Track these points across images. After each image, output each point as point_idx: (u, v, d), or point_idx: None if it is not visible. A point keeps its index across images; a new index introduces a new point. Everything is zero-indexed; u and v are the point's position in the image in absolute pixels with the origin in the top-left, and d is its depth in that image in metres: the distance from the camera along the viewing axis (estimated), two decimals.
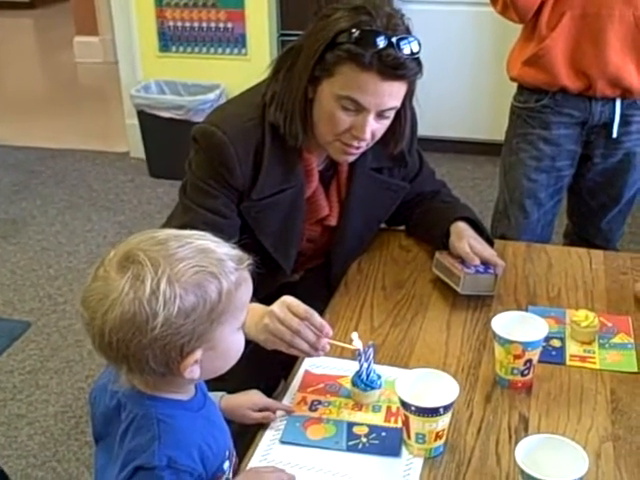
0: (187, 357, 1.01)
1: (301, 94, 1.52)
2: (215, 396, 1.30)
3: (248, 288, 1.07)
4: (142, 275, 0.97)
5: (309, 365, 1.46)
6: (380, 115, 1.52)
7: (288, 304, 1.37)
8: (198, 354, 1.02)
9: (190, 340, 1.00)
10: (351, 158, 1.62)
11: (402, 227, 1.94)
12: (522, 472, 1.09)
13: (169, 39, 4.07)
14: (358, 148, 1.57)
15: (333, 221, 1.73)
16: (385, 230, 1.96)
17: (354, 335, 1.38)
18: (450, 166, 3.99)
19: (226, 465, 1.13)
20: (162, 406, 1.05)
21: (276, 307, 1.38)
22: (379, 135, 1.58)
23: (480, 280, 1.64)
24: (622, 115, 2.06)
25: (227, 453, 1.13)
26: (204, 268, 1.00)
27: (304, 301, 1.52)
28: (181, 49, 4.07)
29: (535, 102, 2.11)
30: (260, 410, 1.33)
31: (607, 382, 1.41)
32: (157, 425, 1.03)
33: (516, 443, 1.14)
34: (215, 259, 1.02)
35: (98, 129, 4.76)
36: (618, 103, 2.05)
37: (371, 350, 1.36)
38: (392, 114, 1.55)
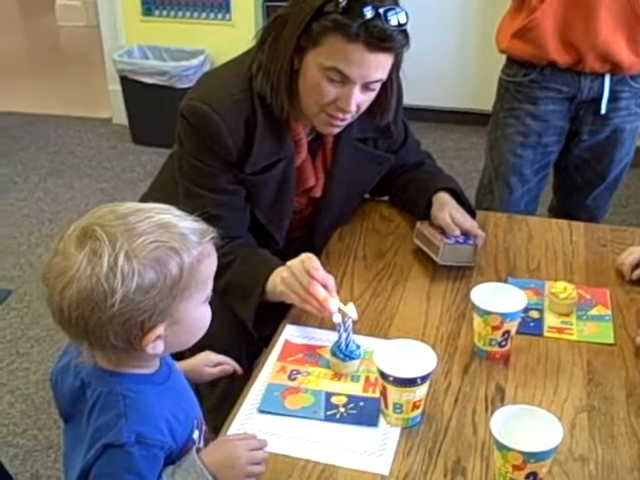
0: (149, 333, 1.00)
1: (287, 64, 1.50)
2: None
3: (212, 261, 1.06)
4: (99, 251, 0.96)
5: (289, 335, 1.46)
6: (366, 87, 1.51)
7: (302, 259, 1.44)
8: (160, 329, 1.01)
9: (151, 316, 0.99)
10: (336, 130, 1.61)
11: (385, 197, 1.94)
12: (497, 442, 1.10)
13: (152, 3, 4.01)
14: (343, 120, 1.56)
15: (318, 192, 1.73)
16: (367, 200, 1.96)
17: (350, 306, 1.41)
18: (435, 136, 3.98)
19: (195, 434, 1.13)
20: (126, 382, 1.04)
21: (294, 261, 1.45)
22: (364, 107, 1.57)
23: (459, 250, 1.65)
24: (611, 91, 2.04)
25: (196, 422, 1.14)
26: (164, 243, 0.98)
27: None
28: (164, 13, 4.01)
29: (523, 76, 2.09)
30: (215, 365, 1.35)
31: (584, 353, 1.43)
32: (123, 401, 1.02)
33: (492, 413, 1.15)
34: (176, 233, 1.00)
35: (80, 94, 4.70)
36: (607, 79, 2.03)
37: (350, 320, 1.37)
38: (378, 86, 1.54)
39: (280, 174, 1.61)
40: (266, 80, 1.52)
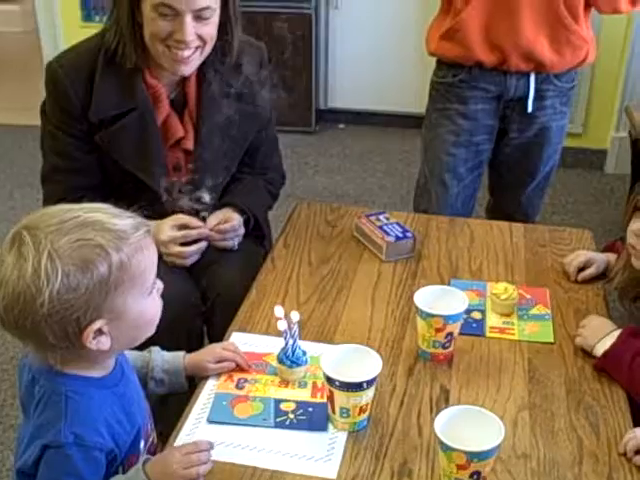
0: (86, 329, 1.02)
1: (127, 17, 1.63)
2: (177, 355, 1.34)
3: (148, 254, 1.07)
4: (25, 254, 0.99)
5: (235, 343, 1.46)
6: (199, 17, 1.62)
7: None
8: (97, 325, 1.03)
9: (85, 313, 1.01)
10: (186, 68, 1.70)
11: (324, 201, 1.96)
12: (441, 443, 1.12)
13: (92, 8, 3.97)
14: (188, 57, 1.66)
15: (190, 144, 1.79)
16: (310, 206, 1.98)
17: (278, 310, 1.39)
18: (378, 139, 4.01)
19: (141, 444, 1.14)
20: (72, 383, 1.07)
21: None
22: (210, 39, 1.67)
23: (401, 246, 1.75)
24: (536, 90, 2.10)
25: (142, 431, 1.15)
26: (89, 241, 1.00)
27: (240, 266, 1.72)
28: (105, 19, 3.94)
29: (452, 77, 2.13)
30: (218, 362, 1.37)
31: (525, 352, 1.46)
32: (65, 402, 1.04)
33: (437, 414, 1.17)
34: (104, 231, 1.02)
35: (19, 102, 4.60)
36: (532, 78, 2.08)
37: (296, 326, 1.37)
38: (212, 15, 1.65)
39: (136, 123, 1.71)
40: (114, 34, 1.66)
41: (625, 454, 1.23)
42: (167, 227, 1.71)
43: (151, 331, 1.13)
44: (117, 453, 1.08)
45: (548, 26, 2.01)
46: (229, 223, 1.77)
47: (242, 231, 1.80)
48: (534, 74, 2.08)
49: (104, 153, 1.73)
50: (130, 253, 1.03)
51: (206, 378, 1.37)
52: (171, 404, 1.39)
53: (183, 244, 1.73)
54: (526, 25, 1.99)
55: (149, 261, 1.08)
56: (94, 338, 1.03)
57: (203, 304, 1.76)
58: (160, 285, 1.13)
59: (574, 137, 3.63)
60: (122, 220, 1.05)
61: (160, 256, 1.13)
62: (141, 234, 1.06)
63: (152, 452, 1.19)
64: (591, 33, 2.11)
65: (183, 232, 1.72)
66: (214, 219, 1.77)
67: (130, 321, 1.07)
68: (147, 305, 1.09)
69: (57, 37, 4.01)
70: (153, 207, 1.67)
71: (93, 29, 1.78)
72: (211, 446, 1.16)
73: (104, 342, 1.05)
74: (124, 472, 1.11)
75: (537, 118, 2.15)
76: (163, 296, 1.15)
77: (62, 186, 1.74)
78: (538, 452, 1.24)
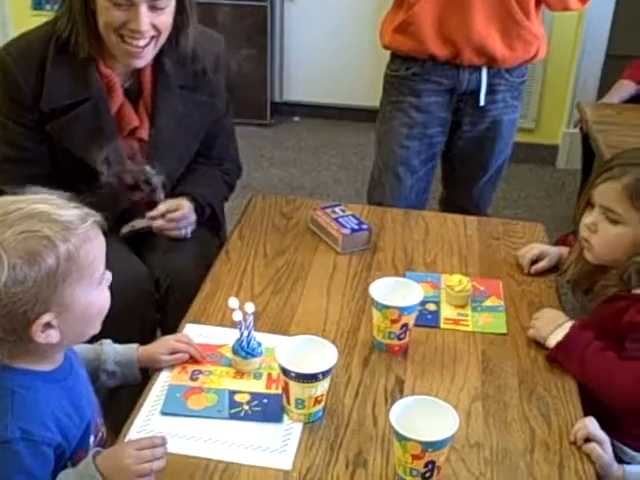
0: (34, 322, 1.01)
1: (80, 5, 1.60)
2: (129, 347, 1.33)
3: (96, 244, 1.06)
4: None
5: (189, 334, 1.44)
6: (154, 7, 1.60)
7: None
8: (46, 318, 1.02)
9: (34, 306, 1.00)
10: (140, 62, 1.68)
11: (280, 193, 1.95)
12: (396, 433, 1.12)
13: None
14: (142, 47, 1.63)
15: (144, 133, 1.77)
16: (266, 197, 1.97)
17: (232, 301, 1.38)
18: (333, 133, 4.01)
19: (91, 439, 1.13)
20: (19, 378, 1.05)
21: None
22: (165, 29, 1.65)
23: (356, 238, 1.75)
24: (488, 84, 2.12)
25: (92, 425, 1.14)
26: (35, 233, 0.99)
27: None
28: (56, 7, 3.87)
29: (406, 70, 2.15)
30: (172, 354, 1.36)
31: (479, 344, 1.48)
32: (11, 397, 1.03)
33: (392, 405, 1.17)
34: (50, 222, 1.01)
35: None
36: (484, 72, 2.11)
37: (251, 318, 1.37)
38: (167, 5, 1.63)
39: (90, 112, 1.68)
40: (67, 22, 1.63)
41: (575, 442, 1.25)
42: None
43: (99, 325, 1.11)
44: (65, 447, 1.07)
45: (499, 21, 2.03)
46: (180, 211, 1.75)
47: (193, 218, 1.78)
48: (486, 68, 2.10)
49: (55, 142, 1.70)
50: (78, 244, 1.02)
51: (160, 370, 1.36)
52: (122, 396, 1.38)
53: (135, 236, 1.71)
54: (478, 19, 2.01)
55: (97, 251, 1.07)
56: (42, 331, 1.02)
57: (157, 292, 1.75)
58: (109, 276, 1.11)
59: (526, 133, 3.69)
60: (68, 211, 1.04)
61: (110, 244, 1.12)
62: (88, 225, 1.05)
63: (102, 446, 1.17)
64: (542, 29, 2.15)
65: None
66: (164, 206, 1.75)
67: (78, 313, 1.05)
68: (95, 296, 1.08)
69: (7, 26, 3.92)
70: (106, 196, 1.65)
71: (44, 17, 1.75)
72: (165, 441, 1.14)
73: (53, 335, 1.03)
74: (73, 467, 1.09)
75: (489, 111, 2.18)
76: (115, 281, 1.14)
77: (11, 175, 1.71)
78: (491, 441, 1.25)
